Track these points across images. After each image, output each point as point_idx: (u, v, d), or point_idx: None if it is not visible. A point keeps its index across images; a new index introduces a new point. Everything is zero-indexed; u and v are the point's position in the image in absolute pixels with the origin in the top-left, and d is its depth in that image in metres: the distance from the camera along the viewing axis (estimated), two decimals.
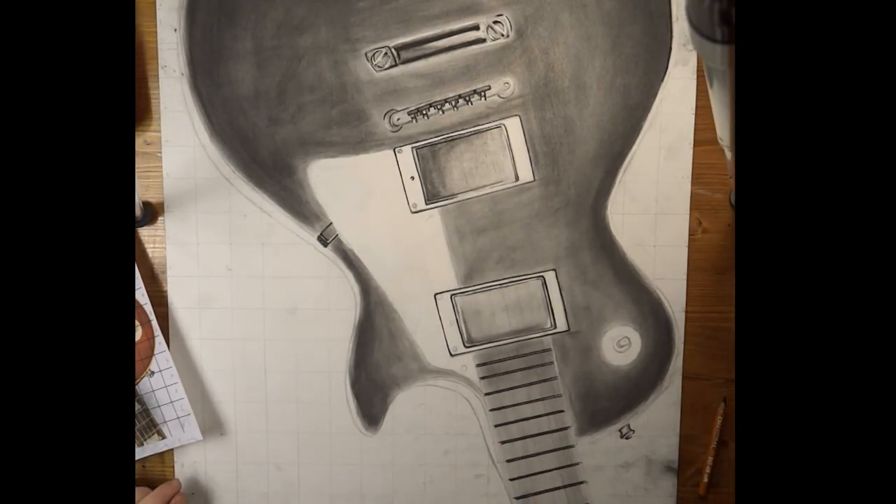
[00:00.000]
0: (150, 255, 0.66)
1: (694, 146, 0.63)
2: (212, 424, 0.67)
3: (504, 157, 0.64)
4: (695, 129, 0.63)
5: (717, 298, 0.64)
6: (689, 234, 0.64)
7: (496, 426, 0.66)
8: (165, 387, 0.66)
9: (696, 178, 0.63)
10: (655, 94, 0.63)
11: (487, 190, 0.64)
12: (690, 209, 0.64)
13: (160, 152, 0.65)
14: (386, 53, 0.63)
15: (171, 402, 0.66)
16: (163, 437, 0.66)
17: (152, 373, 0.65)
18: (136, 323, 0.65)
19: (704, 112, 0.62)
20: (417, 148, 0.64)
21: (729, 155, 0.56)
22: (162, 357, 0.65)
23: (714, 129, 0.55)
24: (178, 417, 0.66)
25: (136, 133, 0.64)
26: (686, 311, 0.65)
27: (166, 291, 0.66)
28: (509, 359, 0.66)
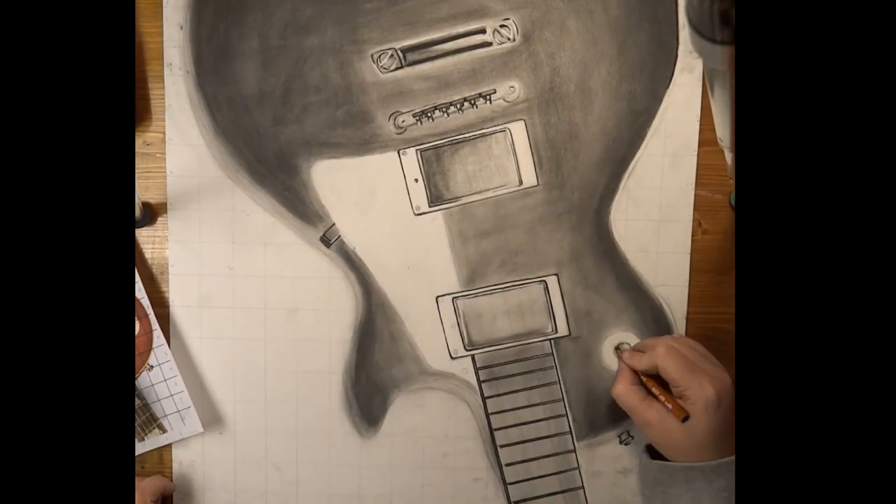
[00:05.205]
0: (151, 255, 0.66)
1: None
2: (211, 423, 0.67)
3: (508, 161, 0.64)
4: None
5: (717, 299, 0.64)
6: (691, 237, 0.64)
7: (495, 430, 0.66)
8: (165, 380, 0.66)
9: (697, 180, 0.63)
10: (661, 101, 0.63)
11: (491, 194, 0.64)
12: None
13: (160, 153, 0.65)
14: (392, 55, 0.63)
15: (171, 395, 0.66)
16: (164, 431, 0.66)
17: (151, 367, 0.65)
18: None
19: (705, 113, 0.62)
20: (421, 150, 0.64)
21: (729, 156, 0.56)
22: (160, 350, 0.65)
23: (714, 130, 0.55)
24: (178, 411, 0.66)
25: (136, 134, 0.64)
26: (687, 314, 0.65)
27: (166, 291, 0.66)
28: (510, 363, 0.65)
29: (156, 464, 0.68)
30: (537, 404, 0.65)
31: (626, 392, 0.60)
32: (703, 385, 0.55)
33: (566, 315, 0.65)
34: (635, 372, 0.61)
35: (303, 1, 0.62)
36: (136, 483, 0.64)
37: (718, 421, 0.55)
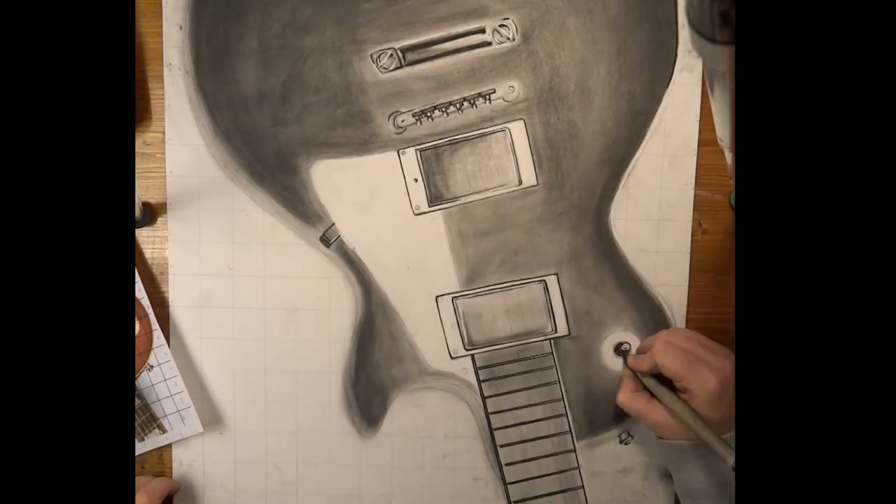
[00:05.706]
0: (150, 255, 0.66)
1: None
2: (211, 423, 0.67)
3: (508, 161, 0.64)
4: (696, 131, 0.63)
5: (717, 299, 0.64)
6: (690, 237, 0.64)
7: (495, 429, 0.66)
8: (165, 380, 0.66)
9: (697, 180, 0.63)
10: (660, 101, 0.63)
11: (490, 193, 0.64)
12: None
13: (160, 153, 0.65)
14: (391, 55, 0.63)
15: (171, 395, 0.66)
16: (164, 431, 0.66)
17: (151, 367, 0.65)
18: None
19: (705, 113, 0.62)
20: (421, 150, 0.64)
21: (729, 156, 0.56)
22: (160, 350, 0.65)
23: (714, 130, 0.55)
24: (178, 410, 0.66)
25: (136, 134, 0.64)
26: (686, 314, 0.65)
27: (166, 291, 0.66)
28: (509, 362, 0.65)
29: (156, 464, 0.68)
30: (537, 404, 0.65)
31: (630, 399, 0.61)
32: (704, 377, 0.55)
33: (566, 315, 0.65)
34: (636, 377, 0.62)
35: (302, 1, 0.62)
36: (146, 484, 0.64)
37: (724, 408, 0.55)
